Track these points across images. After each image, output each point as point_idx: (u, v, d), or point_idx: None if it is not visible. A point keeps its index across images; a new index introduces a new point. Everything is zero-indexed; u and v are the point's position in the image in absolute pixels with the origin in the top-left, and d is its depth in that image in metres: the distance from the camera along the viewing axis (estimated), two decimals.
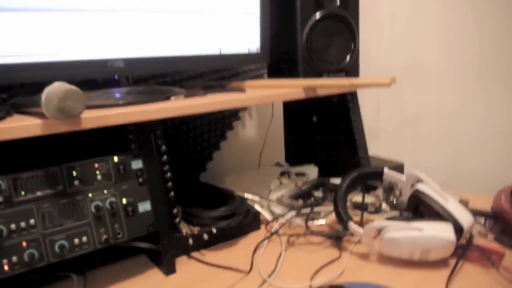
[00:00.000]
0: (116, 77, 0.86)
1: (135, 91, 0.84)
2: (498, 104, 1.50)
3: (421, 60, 1.67)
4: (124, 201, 0.72)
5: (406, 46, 1.69)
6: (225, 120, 1.25)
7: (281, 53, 1.09)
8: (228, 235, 0.87)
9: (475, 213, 0.87)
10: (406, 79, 1.71)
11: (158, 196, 0.76)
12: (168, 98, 0.80)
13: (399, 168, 1.24)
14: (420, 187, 0.83)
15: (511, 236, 0.79)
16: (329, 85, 0.93)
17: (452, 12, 1.55)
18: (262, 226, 0.93)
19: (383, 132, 1.82)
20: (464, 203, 0.98)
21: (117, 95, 0.80)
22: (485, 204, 0.91)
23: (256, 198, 1.00)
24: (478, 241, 0.82)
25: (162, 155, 0.80)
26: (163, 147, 0.80)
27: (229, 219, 0.86)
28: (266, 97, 0.87)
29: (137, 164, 0.74)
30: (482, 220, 0.88)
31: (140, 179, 0.74)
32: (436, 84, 1.64)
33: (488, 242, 0.82)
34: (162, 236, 0.76)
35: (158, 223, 0.75)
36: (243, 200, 0.93)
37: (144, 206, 0.74)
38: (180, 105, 0.74)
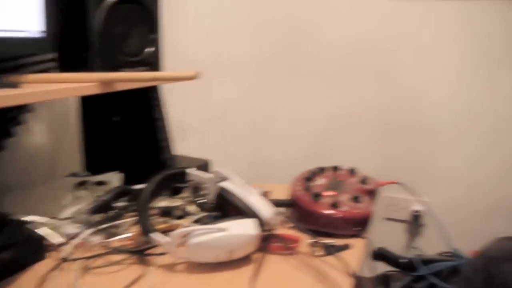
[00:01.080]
0: None
1: None
2: (302, 98, 1.64)
3: (227, 55, 1.70)
4: None
5: (212, 41, 1.71)
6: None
7: (72, 42, 0.92)
8: (2, 273, 0.70)
9: (277, 203, 0.91)
10: (212, 74, 1.73)
11: None
12: None
13: (205, 166, 1.23)
14: (224, 184, 0.82)
15: (306, 222, 0.85)
16: (128, 78, 0.82)
17: (259, 6, 1.62)
18: (52, 253, 0.78)
19: (192, 129, 1.80)
20: (266, 194, 1.02)
21: None
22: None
23: (44, 219, 0.83)
24: (280, 231, 0.86)
25: None
26: None
27: (1, 252, 0.68)
28: (48, 93, 0.70)
29: None
30: (283, 209, 0.92)
31: None
32: (242, 78, 1.71)
33: (287, 230, 0.87)
34: None
35: None
36: (22, 224, 0.76)
37: None
38: None
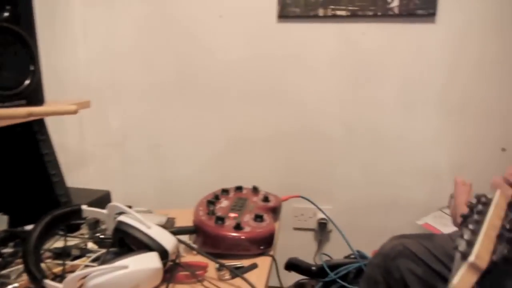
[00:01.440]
0: None
1: None
2: (202, 119, 1.63)
3: (122, 79, 1.64)
4: None
5: (105, 65, 1.64)
6: None
7: None
8: None
9: (181, 231, 0.88)
10: (108, 99, 1.66)
11: None
12: None
13: (106, 197, 1.17)
14: (122, 218, 0.78)
15: (212, 247, 0.84)
16: (1, 115, 0.75)
17: (151, 30, 1.58)
18: None
19: (91, 156, 1.71)
20: (171, 222, 0.99)
21: None
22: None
23: None
24: (186, 259, 0.83)
25: None
26: None
27: None
28: None
29: None
30: (188, 236, 0.90)
31: None
32: (139, 102, 1.65)
33: (194, 257, 0.85)
34: None
35: None
36: None
37: None
38: None
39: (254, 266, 0.82)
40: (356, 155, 1.56)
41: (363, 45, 1.47)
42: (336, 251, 1.59)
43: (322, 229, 1.62)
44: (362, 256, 1.46)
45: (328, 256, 1.61)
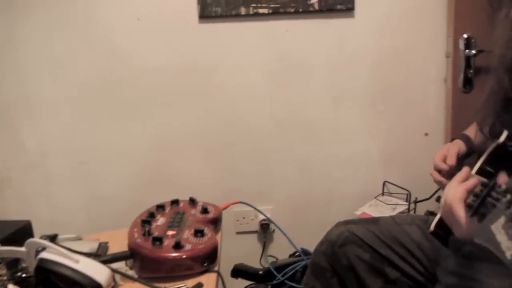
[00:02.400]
0: None
1: None
2: (128, 129, 1.52)
3: (32, 92, 1.48)
4: None
5: (10, 77, 1.47)
6: None
7: None
8: None
9: (115, 258, 0.81)
10: (18, 115, 1.49)
11: None
12: None
13: (27, 227, 1.04)
14: (44, 255, 0.69)
15: (152, 271, 0.78)
16: None
17: (64, 37, 1.45)
18: None
19: (8, 181, 1.54)
20: (104, 248, 0.91)
21: None
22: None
23: None
24: (124, 286, 0.77)
25: None
26: None
27: None
28: None
29: None
30: (124, 263, 0.83)
31: None
32: (56, 118, 1.51)
33: (132, 285, 0.78)
34: None
35: None
36: None
37: None
38: None
39: (199, 286, 0.77)
40: (290, 152, 1.56)
41: (288, 42, 1.46)
42: (281, 251, 1.58)
43: (265, 230, 1.60)
44: (306, 253, 1.46)
45: (274, 257, 1.59)
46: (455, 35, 1.37)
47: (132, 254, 0.80)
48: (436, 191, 1.44)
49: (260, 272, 1.44)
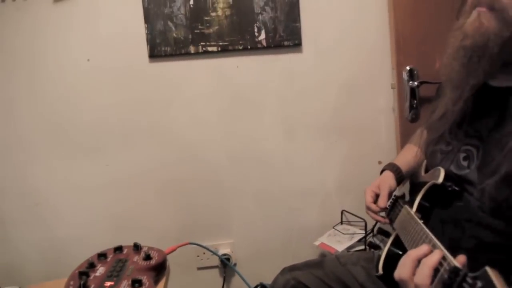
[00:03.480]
0: None
1: None
2: (83, 168, 1.50)
3: None
4: None
5: None
6: None
7: None
8: None
9: None
10: None
11: None
12: None
13: None
14: None
15: None
16: None
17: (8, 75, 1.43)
18: None
19: None
20: None
21: None
22: None
23: None
24: None
25: None
26: None
27: None
28: None
29: None
30: None
31: None
32: (2, 159, 1.48)
33: None
34: None
35: None
36: None
37: None
38: None
39: None
40: (246, 184, 1.56)
41: (239, 78, 1.49)
42: (243, 285, 1.56)
43: (225, 265, 1.59)
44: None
45: None
46: (398, 68, 1.42)
47: None
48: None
49: None
